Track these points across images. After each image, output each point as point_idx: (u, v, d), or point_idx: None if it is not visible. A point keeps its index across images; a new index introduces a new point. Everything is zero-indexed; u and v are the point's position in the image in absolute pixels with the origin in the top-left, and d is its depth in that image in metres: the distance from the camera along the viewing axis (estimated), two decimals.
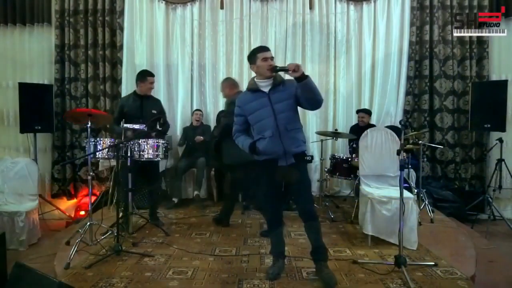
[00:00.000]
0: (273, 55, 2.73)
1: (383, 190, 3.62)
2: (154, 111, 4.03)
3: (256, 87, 2.71)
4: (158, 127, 3.70)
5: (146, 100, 4.05)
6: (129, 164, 3.68)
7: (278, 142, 2.61)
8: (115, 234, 3.25)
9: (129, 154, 3.62)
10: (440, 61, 5.49)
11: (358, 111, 5.32)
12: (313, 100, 2.57)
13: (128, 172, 3.66)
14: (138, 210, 4.38)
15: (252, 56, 2.70)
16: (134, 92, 4.12)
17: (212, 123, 5.68)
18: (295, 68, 2.43)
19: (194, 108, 5.67)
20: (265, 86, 2.69)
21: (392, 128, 4.53)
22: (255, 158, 2.74)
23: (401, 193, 2.78)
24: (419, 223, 3.94)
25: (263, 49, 2.70)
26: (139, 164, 3.84)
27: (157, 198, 4.28)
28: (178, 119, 5.74)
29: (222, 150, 3.92)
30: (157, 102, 4.21)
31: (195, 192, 5.05)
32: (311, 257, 2.79)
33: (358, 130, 4.89)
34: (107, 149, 3.57)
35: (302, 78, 2.44)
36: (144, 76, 4.05)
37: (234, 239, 3.70)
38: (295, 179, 2.62)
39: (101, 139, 3.69)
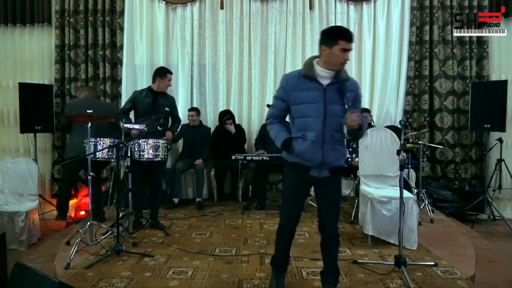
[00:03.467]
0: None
1: (383, 190, 3.62)
2: (167, 108, 4.05)
3: (314, 75, 2.21)
4: (158, 127, 3.69)
5: (160, 97, 4.04)
6: (129, 164, 3.69)
7: (319, 150, 2.22)
8: (115, 234, 3.25)
9: (129, 154, 3.62)
10: (440, 61, 5.49)
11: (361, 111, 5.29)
12: (354, 138, 2.32)
13: (129, 172, 3.67)
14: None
15: (331, 39, 2.16)
16: (149, 87, 4.11)
17: (212, 123, 5.68)
18: (353, 123, 2.10)
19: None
20: (325, 77, 2.20)
21: (392, 128, 4.54)
22: (283, 156, 2.37)
23: (401, 193, 2.78)
24: (419, 223, 3.95)
25: (348, 37, 2.15)
26: (145, 164, 3.86)
27: (158, 200, 4.28)
28: None
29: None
30: (170, 99, 4.18)
31: (197, 199, 5.02)
32: (320, 278, 2.50)
33: None
34: (107, 149, 3.57)
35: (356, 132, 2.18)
36: (164, 73, 4.04)
37: (234, 239, 3.70)
38: (324, 194, 2.35)
39: (101, 139, 3.69)
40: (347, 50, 2.16)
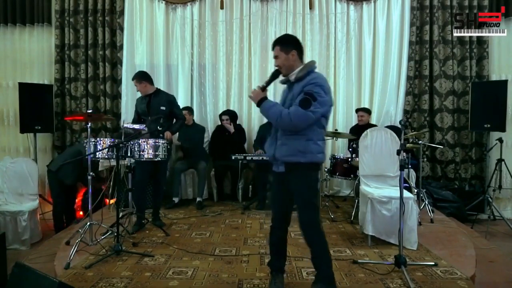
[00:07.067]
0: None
1: (383, 190, 3.62)
2: (162, 107, 4.03)
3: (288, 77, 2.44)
4: (158, 127, 3.69)
5: (154, 98, 4.07)
6: (129, 164, 3.69)
7: (273, 145, 2.41)
8: (115, 234, 3.25)
9: (129, 154, 3.62)
10: (440, 61, 5.49)
11: (357, 110, 5.32)
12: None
13: (129, 172, 3.68)
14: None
15: (299, 45, 2.41)
16: None
17: (212, 123, 5.69)
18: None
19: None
20: (291, 77, 2.42)
21: (392, 128, 4.54)
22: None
23: (401, 193, 2.78)
24: (419, 223, 3.95)
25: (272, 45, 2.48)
26: (149, 163, 3.88)
27: (161, 199, 4.30)
28: None
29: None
30: (166, 98, 4.12)
31: (198, 199, 5.03)
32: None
33: (357, 130, 4.89)
34: (107, 149, 3.57)
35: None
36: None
37: (234, 239, 3.70)
38: (280, 189, 2.45)
39: (101, 139, 3.69)
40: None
